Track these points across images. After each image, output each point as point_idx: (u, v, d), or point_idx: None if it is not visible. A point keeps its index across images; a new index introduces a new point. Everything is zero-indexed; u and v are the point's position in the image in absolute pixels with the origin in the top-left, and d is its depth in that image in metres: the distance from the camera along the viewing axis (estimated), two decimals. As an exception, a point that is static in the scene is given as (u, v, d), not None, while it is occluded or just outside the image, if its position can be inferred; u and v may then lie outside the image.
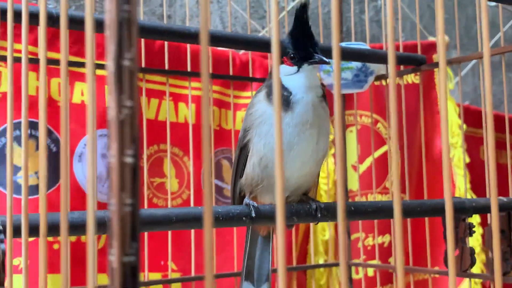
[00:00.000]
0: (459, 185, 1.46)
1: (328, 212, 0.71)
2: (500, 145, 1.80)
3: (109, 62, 0.29)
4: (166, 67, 1.01)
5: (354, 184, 1.34)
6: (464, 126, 1.48)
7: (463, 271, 0.89)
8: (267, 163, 0.72)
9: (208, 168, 0.31)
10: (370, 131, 1.34)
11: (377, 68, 1.03)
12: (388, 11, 0.37)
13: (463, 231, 0.90)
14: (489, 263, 0.87)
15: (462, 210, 0.82)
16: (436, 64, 1.05)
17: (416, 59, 1.02)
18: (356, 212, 0.74)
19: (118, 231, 0.27)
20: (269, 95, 0.73)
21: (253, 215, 0.66)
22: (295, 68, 0.75)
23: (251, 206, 0.67)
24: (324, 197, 1.29)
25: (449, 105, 1.50)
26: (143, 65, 0.99)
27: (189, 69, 1.02)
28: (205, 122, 0.31)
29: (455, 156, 1.48)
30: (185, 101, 1.17)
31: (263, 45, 0.86)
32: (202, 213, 0.61)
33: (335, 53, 0.35)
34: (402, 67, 1.08)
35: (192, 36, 0.81)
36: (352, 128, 1.37)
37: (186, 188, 1.16)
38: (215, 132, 1.20)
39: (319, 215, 0.70)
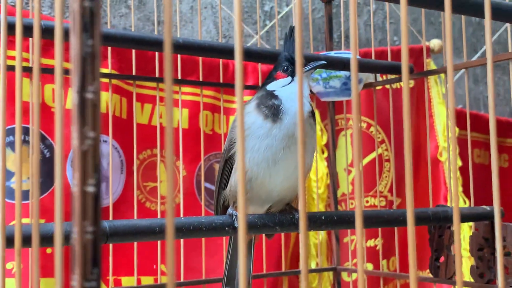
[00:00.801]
0: (451, 188, 1.47)
1: (310, 222, 0.72)
2: (479, 145, 1.82)
3: (73, 94, 0.30)
4: (157, 74, 1.02)
5: (346, 187, 1.35)
6: (457, 129, 1.49)
7: (448, 278, 0.90)
8: (252, 176, 0.73)
9: (170, 179, 0.32)
10: (363, 135, 1.35)
11: (365, 76, 1.04)
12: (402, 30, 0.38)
13: (448, 239, 0.91)
14: (472, 272, 0.89)
15: (446, 218, 0.84)
16: (423, 73, 1.06)
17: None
18: (341, 221, 0.75)
19: (79, 258, 0.28)
20: (259, 105, 0.74)
21: (236, 225, 0.68)
22: (289, 78, 0.77)
23: (234, 216, 0.69)
24: (316, 201, 1.30)
25: (441, 109, 1.51)
26: (133, 72, 1.00)
27: (179, 76, 1.03)
28: (168, 130, 0.32)
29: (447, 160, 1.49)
30: (178, 106, 1.18)
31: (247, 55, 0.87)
32: (184, 224, 0.62)
33: (353, 65, 0.36)
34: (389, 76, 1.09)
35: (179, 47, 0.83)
36: (344, 132, 1.38)
37: (179, 192, 1.17)
38: (208, 137, 1.21)
39: (301, 225, 0.71)
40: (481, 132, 1.62)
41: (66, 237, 0.60)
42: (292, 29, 0.78)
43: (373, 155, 1.33)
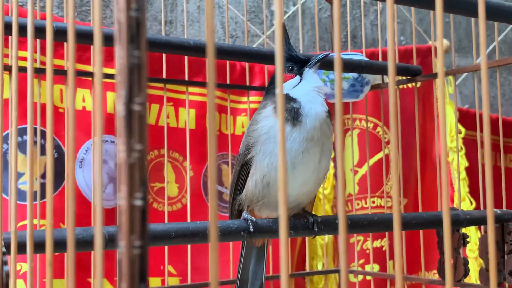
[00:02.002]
0: (457, 189, 1.48)
1: (325, 226, 0.72)
2: (498, 148, 1.82)
3: (120, 106, 0.30)
4: (164, 75, 1.02)
5: (352, 188, 1.35)
6: (463, 129, 1.49)
7: (457, 281, 0.91)
8: (270, 181, 0.72)
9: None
10: (370, 135, 1.35)
11: (373, 78, 1.04)
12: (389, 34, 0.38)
13: (456, 242, 0.91)
14: (481, 274, 0.89)
15: (457, 222, 0.84)
16: (432, 75, 1.06)
17: (412, 70, 1.03)
18: (353, 225, 0.75)
19: (127, 273, 0.28)
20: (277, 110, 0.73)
21: (251, 229, 0.67)
22: (297, 78, 0.76)
23: (249, 221, 0.68)
24: (324, 201, 1.30)
25: (448, 109, 1.51)
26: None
27: (186, 77, 1.03)
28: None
29: (454, 160, 1.49)
30: (185, 107, 1.18)
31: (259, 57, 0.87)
32: (199, 228, 0.62)
33: (337, 64, 0.36)
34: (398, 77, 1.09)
35: (190, 49, 0.82)
36: (350, 132, 1.38)
37: (186, 192, 1.17)
38: (217, 137, 1.21)
39: (316, 229, 0.71)
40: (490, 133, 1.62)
41: (78, 242, 0.59)
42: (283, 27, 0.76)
43: (379, 155, 1.33)
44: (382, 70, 1.02)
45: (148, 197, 0.30)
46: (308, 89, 0.75)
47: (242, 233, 0.68)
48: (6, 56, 0.95)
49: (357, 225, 0.75)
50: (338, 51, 0.35)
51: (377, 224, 0.78)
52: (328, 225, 0.73)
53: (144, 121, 0.30)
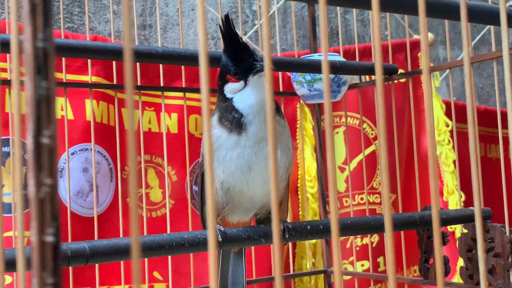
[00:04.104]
0: (447, 182, 1.47)
1: (296, 232, 0.72)
2: (489, 139, 1.81)
3: (28, 139, 0.29)
4: (139, 82, 1.01)
5: (341, 185, 1.35)
6: (449, 122, 1.48)
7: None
8: (229, 186, 0.72)
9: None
10: (356, 132, 1.34)
11: (350, 77, 1.04)
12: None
13: (437, 241, 0.90)
14: (461, 272, 0.88)
15: (431, 222, 0.83)
16: (407, 74, 1.05)
17: (388, 69, 1.02)
18: (327, 230, 0.74)
19: (38, 311, 0.27)
20: (221, 119, 0.72)
21: (220, 239, 0.67)
22: (241, 83, 0.73)
23: (217, 231, 0.68)
24: (311, 200, 1.29)
25: (435, 103, 1.50)
26: (115, 81, 1.00)
27: (162, 83, 1.02)
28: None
29: (442, 154, 1.48)
30: (167, 111, 1.17)
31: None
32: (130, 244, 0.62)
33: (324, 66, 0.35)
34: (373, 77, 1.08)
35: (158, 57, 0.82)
36: (338, 129, 1.37)
37: (170, 198, 1.17)
38: (198, 140, 1.21)
39: (287, 236, 0.71)
40: (477, 124, 1.61)
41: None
42: (226, 19, 0.71)
43: (366, 152, 1.33)
44: (357, 71, 1.01)
45: (59, 233, 0.29)
46: (251, 97, 0.73)
47: (210, 243, 0.67)
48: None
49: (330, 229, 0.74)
50: (325, 54, 0.34)
51: (352, 228, 0.77)
52: (299, 231, 0.72)
53: (54, 154, 0.29)
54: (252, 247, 1.05)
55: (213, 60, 0.83)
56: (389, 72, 1.02)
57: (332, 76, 0.99)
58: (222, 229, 0.69)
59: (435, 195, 0.40)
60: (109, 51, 0.79)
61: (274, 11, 1.39)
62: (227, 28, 0.72)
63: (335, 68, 0.95)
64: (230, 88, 0.73)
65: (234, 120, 0.71)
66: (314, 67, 0.93)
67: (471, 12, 0.59)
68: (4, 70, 1.04)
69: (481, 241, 0.46)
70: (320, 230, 0.73)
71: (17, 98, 0.37)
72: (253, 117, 0.71)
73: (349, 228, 0.76)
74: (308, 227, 0.72)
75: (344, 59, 1.02)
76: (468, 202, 1.36)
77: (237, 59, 0.73)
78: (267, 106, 0.35)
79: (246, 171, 0.71)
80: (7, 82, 0.93)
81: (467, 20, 0.47)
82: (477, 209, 0.49)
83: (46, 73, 0.29)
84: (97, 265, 0.95)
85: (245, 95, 0.72)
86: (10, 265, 0.47)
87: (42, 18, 0.29)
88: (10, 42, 0.44)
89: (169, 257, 1.00)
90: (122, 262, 0.97)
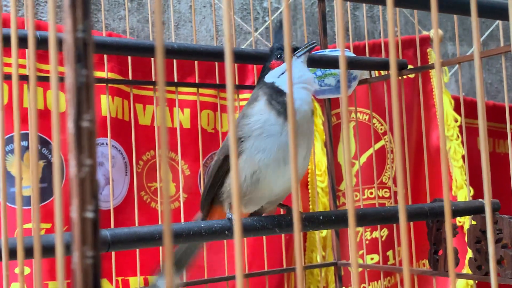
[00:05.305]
0: (455, 177, 1.49)
1: (309, 222, 0.74)
2: (498, 135, 1.83)
3: (69, 124, 0.31)
4: (153, 77, 1.03)
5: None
6: (458, 117, 1.50)
7: (447, 271, 0.92)
8: (259, 177, 0.71)
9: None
10: (365, 127, 1.36)
11: (360, 73, 1.05)
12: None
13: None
14: (470, 264, 0.90)
15: (443, 213, 0.85)
16: (417, 69, 1.07)
17: (397, 64, 1.04)
18: (338, 220, 0.76)
19: (80, 283, 0.30)
20: (270, 102, 0.71)
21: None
22: (284, 65, 0.75)
23: (231, 220, 0.70)
24: (321, 194, 1.31)
25: (444, 98, 1.52)
26: (130, 76, 1.02)
27: (175, 78, 1.04)
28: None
29: (451, 149, 1.50)
30: (180, 107, 1.19)
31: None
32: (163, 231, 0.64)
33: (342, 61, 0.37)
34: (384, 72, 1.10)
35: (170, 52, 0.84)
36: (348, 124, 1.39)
37: (183, 191, 1.19)
38: (211, 135, 1.23)
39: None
40: (486, 120, 1.63)
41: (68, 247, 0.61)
42: (280, 23, 0.77)
43: (375, 147, 1.34)
44: (367, 66, 1.03)
45: (99, 210, 0.31)
46: (295, 80, 0.74)
47: (226, 232, 0.69)
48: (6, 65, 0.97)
49: (342, 220, 0.76)
50: (342, 49, 0.36)
51: (363, 219, 0.79)
52: (312, 221, 0.74)
53: (93, 137, 0.31)
54: (264, 239, 1.07)
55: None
56: (398, 68, 1.04)
57: (342, 71, 1.01)
58: (237, 218, 0.70)
59: (446, 186, 0.42)
60: (143, 48, 0.82)
61: (282, 8, 1.41)
62: (281, 28, 0.76)
63: (347, 64, 0.97)
64: (272, 74, 0.74)
65: (284, 104, 0.70)
66: (325, 63, 0.95)
67: (480, 7, 0.61)
68: (23, 66, 1.06)
69: (491, 230, 0.48)
70: (332, 220, 0.75)
71: (33, 93, 0.39)
72: (299, 104, 0.71)
73: (360, 218, 0.78)
74: (321, 217, 0.74)
75: (354, 55, 1.04)
76: (477, 196, 1.37)
77: (280, 48, 0.76)
78: (288, 96, 0.37)
79: (282, 165, 0.70)
80: (25, 78, 0.95)
81: (477, 15, 0.48)
82: (487, 197, 0.51)
83: (85, 61, 0.31)
84: (113, 256, 0.98)
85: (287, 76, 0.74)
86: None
87: (81, 11, 0.31)
88: (28, 36, 0.47)
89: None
90: (137, 255, 0.99)
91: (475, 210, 0.88)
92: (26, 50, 0.99)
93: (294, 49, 0.77)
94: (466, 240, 0.91)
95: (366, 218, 0.78)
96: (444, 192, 0.39)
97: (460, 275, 0.94)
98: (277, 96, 0.71)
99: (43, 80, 0.98)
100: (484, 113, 0.43)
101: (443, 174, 0.40)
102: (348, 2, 1.20)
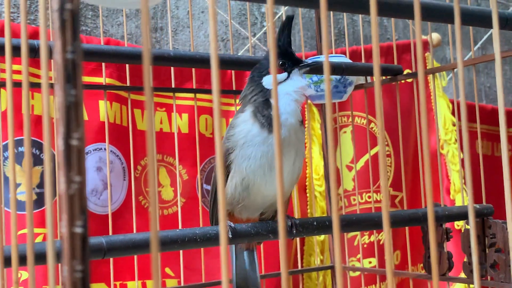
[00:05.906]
0: (453, 181, 1.49)
1: (303, 228, 0.75)
2: (497, 138, 1.83)
3: (59, 141, 0.32)
4: (151, 84, 1.04)
5: (348, 184, 1.38)
6: (455, 120, 1.51)
7: (441, 275, 0.93)
8: (249, 184, 0.75)
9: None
10: (363, 131, 1.37)
11: (356, 78, 1.06)
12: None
13: (440, 237, 0.93)
14: (464, 268, 0.91)
15: (437, 218, 0.86)
16: (412, 75, 1.08)
17: (392, 70, 1.05)
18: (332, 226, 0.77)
19: (69, 294, 0.31)
20: (255, 114, 0.74)
21: (230, 236, 0.70)
22: (284, 74, 0.77)
23: (227, 227, 0.71)
24: (319, 198, 1.32)
25: (442, 102, 1.53)
26: (128, 82, 1.03)
27: (173, 84, 1.05)
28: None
29: (449, 152, 1.51)
30: (178, 112, 1.20)
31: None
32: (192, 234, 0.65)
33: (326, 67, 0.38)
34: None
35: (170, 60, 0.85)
36: (345, 129, 1.40)
37: (181, 196, 1.20)
38: (209, 140, 1.24)
39: (294, 231, 0.74)
40: (484, 123, 1.63)
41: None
42: (288, 19, 0.77)
43: (374, 150, 1.35)
44: (362, 72, 1.04)
45: (87, 224, 0.32)
46: (291, 90, 0.76)
47: (221, 239, 0.70)
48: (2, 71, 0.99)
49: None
50: (326, 55, 0.37)
51: (357, 224, 0.80)
52: (306, 227, 0.75)
53: (82, 155, 0.32)
54: (262, 244, 1.08)
55: (223, 62, 0.86)
56: (394, 73, 1.05)
57: (338, 77, 1.02)
58: (232, 225, 0.72)
59: (430, 193, 0.43)
60: (131, 55, 0.83)
61: (281, 13, 1.42)
62: (288, 26, 0.77)
63: (341, 70, 0.98)
64: (269, 80, 0.76)
65: (269, 117, 0.73)
66: (321, 69, 0.96)
67: (464, 15, 0.62)
68: (18, 72, 1.07)
69: (474, 235, 0.49)
70: (326, 226, 0.76)
71: (46, 100, 0.41)
72: (285, 118, 0.74)
73: (354, 224, 0.79)
74: (315, 223, 0.75)
75: (350, 61, 1.05)
76: (475, 200, 1.38)
77: (287, 54, 0.77)
78: (273, 107, 0.38)
79: (267, 171, 0.74)
80: (19, 85, 0.96)
81: (460, 23, 0.49)
82: (470, 200, 0.51)
83: (75, 81, 0.32)
84: (111, 261, 0.99)
85: (284, 87, 0.75)
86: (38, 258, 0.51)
87: (71, 32, 0.32)
88: (21, 46, 0.48)
89: (181, 253, 1.03)
90: (135, 259, 1.00)
91: (468, 215, 0.88)
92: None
93: (297, 60, 0.78)
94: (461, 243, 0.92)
95: (360, 223, 0.79)
96: (428, 198, 0.40)
97: (453, 279, 0.95)
98: (263, 109, 0.74)
99: (40, 87, 0.99)
100: (466, 122, 0.44)
101: (427, 180, 0.41)
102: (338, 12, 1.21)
